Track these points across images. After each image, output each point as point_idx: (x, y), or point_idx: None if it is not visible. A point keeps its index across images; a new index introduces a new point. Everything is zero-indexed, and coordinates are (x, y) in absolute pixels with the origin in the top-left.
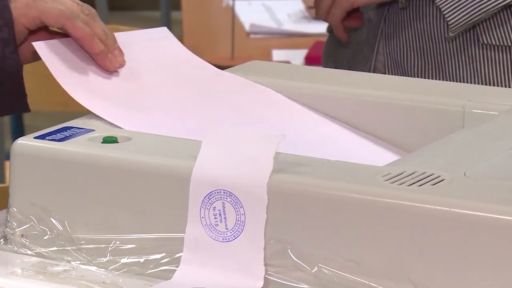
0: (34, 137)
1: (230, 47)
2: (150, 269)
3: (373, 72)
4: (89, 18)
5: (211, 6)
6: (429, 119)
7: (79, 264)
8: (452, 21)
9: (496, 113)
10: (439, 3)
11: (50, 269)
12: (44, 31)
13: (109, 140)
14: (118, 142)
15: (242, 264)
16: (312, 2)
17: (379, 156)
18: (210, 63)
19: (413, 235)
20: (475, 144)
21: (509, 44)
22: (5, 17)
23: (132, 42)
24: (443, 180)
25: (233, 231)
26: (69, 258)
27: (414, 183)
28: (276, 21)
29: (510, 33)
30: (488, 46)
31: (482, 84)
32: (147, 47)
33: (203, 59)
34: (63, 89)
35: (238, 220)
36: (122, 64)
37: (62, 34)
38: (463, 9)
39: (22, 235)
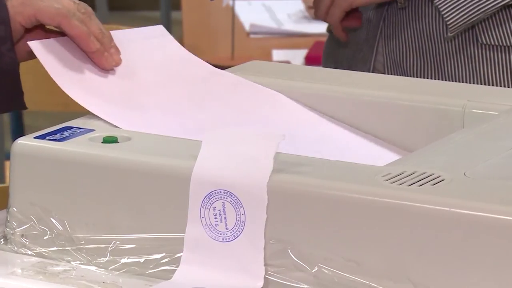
0: (34, 137)
1: (230, 47)
2: (150, 269)
3: (373, 72)
4: (86, 17)
5: (211, 6)
6: (429, 119)
7: (79, 264)
8: (451, 21)
9: (496, 113)
10: (437, 3)
11: (50, 269)
12: (40, 29)
13: (109, 140)
14: (118, 142)
15: (242, 264)
16: (312, 2)
17: (379, 156)
18: (210, 63)
19: (413, 235)
20: (475, 144)
21: (508, 44)
22: (2, 15)
23: (128, 40)
24: (443, 180)
25: (233, 231)
26: (69, 258)
27: (414, 183)
28: (276, 21)
29: (509, 33)
30: (487, 46)
31: (481, 84)
32: (144, 45)
33: (203, 59)
34: None
35: (238, 220)
36: (118, 63)
37: (58, 33)
38: (461, 9)
39: (22, 235)
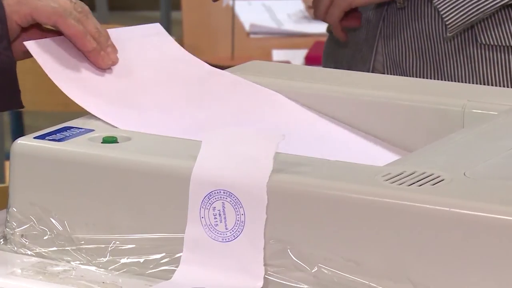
0: (34, 137)
1: (230, 47)
2: (150, 269)
3: (372, 72)
4: (82, 16)
5: (211, 6)
6: (429, 119)
7: (79, 264)
8: (450, 21)
9: (496, 113)
10: (436, 3)
11: (50, 269)
12: (37, 28)
13: (109, 140)
14: (117, 142)
15: (242, 264)
16: (312, 2)
17: (379, 156)
18: (210, 63)
19: (413, 235)
20: (475, 144)
21: (507, 44)
22: None
23: (125, 38)
24: (443, 180)
25: (233, 231)
26: (69, 258)
27: (414, 183)
28: (276, 21)
29: (508, 33)
30: (486, 46)
31: (480, 84)
32: (141, 43)
33: (203, 59)
34: None
35: (238, 220)
36: (115, 62)
37: (54, 32)
38: (460, 9)
39: (22, 235)
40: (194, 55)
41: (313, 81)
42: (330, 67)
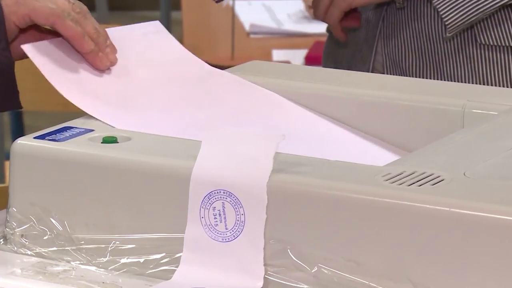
0: (34, 137)
1: (230, 47)
2: (150, 269)
3: (372, 72)
4: (80, 16)
5: (211, 6)
6: (429, 119)
7: (79, 264)
8: (449, 21)
9: (496, 113)
10: (436, 3)
11: (50, 269)
12: (35, 29)
13: (109, 140)
14: (118, 142)
15: (242, 264)
16: (312, 2)
17: (379, 156)
18: (210, 63)
19: (413, 235)
20: (475, 144)
21: (507, 44)
22: None
23: (125, 38)
24: (443, 180)
25: (233, 231)
26: (69, 258)
27: (414, 183)
28: (276, 21)
29: (508, 33)
30: (485, 46)
31: (480, 84)
32: (140, 42)
33: (203, 59)
34: None
35: (238, 220)
36: (113, 62)
37: (52, 33)
38: (460, 9)
39: (22, 235)
40: (191, 53)
41: (313, 81)
42: (330, 67)
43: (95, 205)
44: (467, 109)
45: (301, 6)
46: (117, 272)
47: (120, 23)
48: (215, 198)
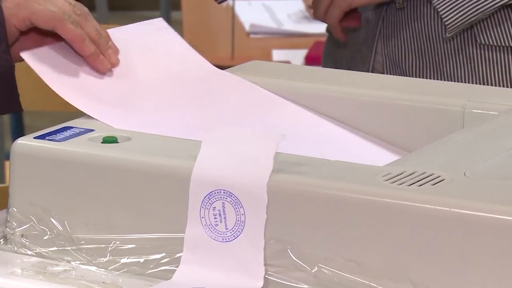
0: (34, 137)
1: (230, 47)
2: (150, 269)
3: (372, 72)
4: (81, 18)
5: (211, 6)
6: (429, 119)
7: (79, 264)
8: (449, 21)
9: (496, 113)
10: (436, 4)
11: (50, 269)
12: (35, 32)
13: (109, 140)
14: (118, 142)
15: (242, 264)
16: (312, 1)
17: (379, 156)
18: (210, 63)
19: (413, 235)
20: (475, 144)
21: (507, 44)
22: None
23: (127, 37)
24: (443, 180)
25: (233, 231)
26: (69, 258)
27: (414, 183)
28: (276, 21)
29: (508, 33)
30: (485, 46)
31: (480, 84)
32: (144, 41)
33: None
34: None
35: (238, 220)
36: (115, 64)
37: (53, 35)
38: (460, 10)
39: (22, 235)
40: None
41: (313, 81)
42: (329, 68)
43: (95, 205)
44: (467, 109)
45: (301, 6)
46: (117, 272)
47: (120, 23)
48: (215, 198)
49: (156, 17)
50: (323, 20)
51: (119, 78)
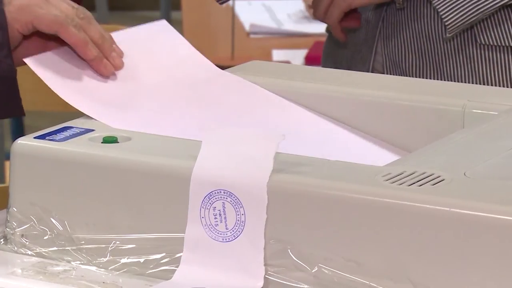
0: (34, 137)
1: (230, 47)
2: (150, 269)
3: (372, 72)
4: (85, 22)
5: (211, 6)
6: (429, 119)
7: (79, 264)
8: (449, 21)
9: (496, 113)
10: (436, 4)
11: (50, 269)
12: (38, 36)
13: (109, 140)
14: (118, 142)
15: (242, 264)
16: (312, 1)
17: (379, 156)
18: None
19: (413, 235)
20: (475, 144)
21: (507, 44)
22: None
23: (131, 40)
24: (443, 180)
25: (233, 231)
26: (69, 258)
27: (414, 183)
28: (276, 21)
29: (508, 33)
30: (485, 46)
31: (480, 84)
32: (147, 44)
33: None
34: None
35: (238, 220)
36: (119, 67)
37: (56, 39)
38: (460, 10)
39: (22, 235)
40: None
41: (313, 81)
42: (329, 68)
43: (95, 205)
44: (467, 109)
45: (301, 6)
46: (117, 272)
47: (120, 23)
48: (216, 198)
49: (156, 17)
50: (323, 20)
51: (123, 81)
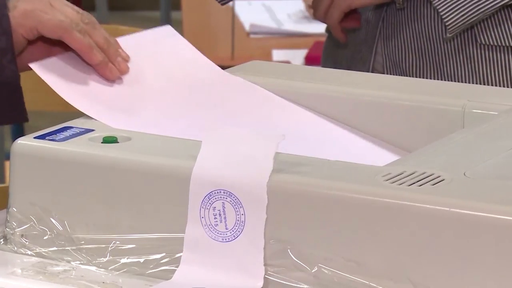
0: (34, 137)
1: (230, 47)
2: (150, 269)
3: (372, 72)
4: (89, 27)
5: (211, 6)
6: (429, 119)
7: (79, 264)
8: (450, 22)
9: (496, 113)
10: (436, 4)
11: (50, 269)
12: (43, 41)
13: (109, 140)
14: (118, 142)
15: (242, 264)
16: (312, 1)
17: (379, 156)
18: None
19: (413, 235)
20: (475, 144)
21: (507, 44)
22: (4, 26)
23: (137, 45)
24: (443, 180)
25: (233, 231)
26: (69, 258)
27: (414, 183)
28: (276, 21)
29: (508, 33)
30: (486, 46)
31: (480, 84)
32: (153, 49)
33: None
34: None
35: (238, 220)
36: (124, 72)
37: (61, 44)
38: (460, 10)
39: (22, 235)
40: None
41: (313, 81)
42: (329, 68)
43: (95, 205)
44: (467, 109)
45: (301, 6)
46: (117, 272)
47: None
48: (215, 198)
49: (156, 17)
50: (323, 21)
51: (129, 85)
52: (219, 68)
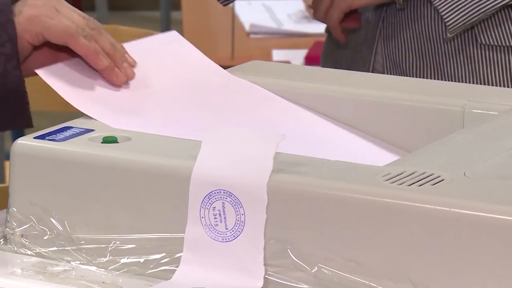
0: (34, 137)
1: (230, 47)
2: (150, 269)
3: (372, 73)
4: (95, 33)
5: (211, 6)
6: (429, 119)
7: (79, 264)
8: (450, 22)
9: (496, 113)
10: (436, 4)
11: (50, 269)
12: (49, 46)
13: (109, 140)
14: (117, 142)
15: (242, 264)
16: (312, 2)
17: (379, 156)
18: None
19: (413, 235)
20: (475, 144)
21: (507, 44)
22: (9, 32)
23: (143, 50)
24: (443, 180)
25: (233, 231)
26: (69, 258)
27: (414, 183)
28: (276, 21)
29: (508, 34)
30: (486, 46)
31: (480, 84)
32: (159, 54)
33: None
34: None
35: (238, 220)
36: (130, 77)
37: (67, 49)
38: (460, 10)
39: (22, 235)
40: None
41: (313, 81)
42: (329, 68)
43: (95, 205)
44: (467, 109)
45: (301, 6)
46: (117, 272)
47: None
48: (215, 198)
49: (156, 17)
50: (323, 21)
51: (135, 89)
52: (226, 72)
